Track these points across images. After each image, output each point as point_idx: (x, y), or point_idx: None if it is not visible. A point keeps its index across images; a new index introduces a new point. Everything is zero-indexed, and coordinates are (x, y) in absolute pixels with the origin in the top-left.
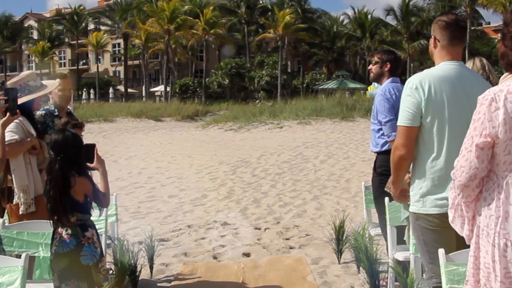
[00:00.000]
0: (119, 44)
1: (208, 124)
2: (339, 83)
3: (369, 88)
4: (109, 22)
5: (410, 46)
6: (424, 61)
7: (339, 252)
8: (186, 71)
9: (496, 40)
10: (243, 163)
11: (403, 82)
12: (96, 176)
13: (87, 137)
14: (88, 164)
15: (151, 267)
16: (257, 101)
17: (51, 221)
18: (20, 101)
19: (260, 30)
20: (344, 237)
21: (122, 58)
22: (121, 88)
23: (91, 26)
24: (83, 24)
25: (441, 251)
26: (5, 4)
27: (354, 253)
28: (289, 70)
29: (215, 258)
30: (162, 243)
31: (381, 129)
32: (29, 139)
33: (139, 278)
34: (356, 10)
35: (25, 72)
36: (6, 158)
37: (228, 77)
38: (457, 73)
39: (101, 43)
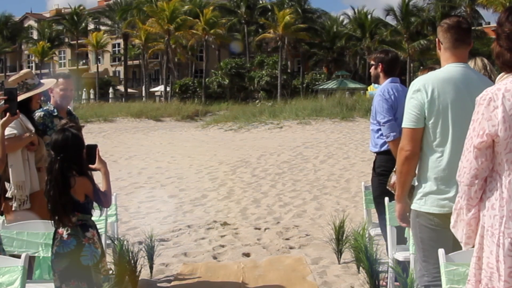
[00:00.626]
0: (119, 44)
1: (208, 124)
2: (339, 83)
3: (369, 88)
4: (109, 22)
5: (410, 46)
6: (424, 61)
7: (339, 252)
8: (186, 71)
9: None
10: (243, 163)
11: (403, 82)
12: (97, 176)
13: (87, 137)
14: (90, 165)
15: (151, 267)
16: (257, 101)
17: (52, 221)
18: (18, 98)
19: (260, 30)
20: (344, 237)
21: (122, 58)
22: (121, 88)
23: (91, 26)
24: (83, 24)
25: (441, 251)
26: (5, 4)
27: (354, 253)
28: (289, 70)
29: (215, 258)
30: (162, 243)
31: (380, 129)
32: (27, 134)
33: (139, 278)
34: (356, 10)
35: (23, 71)
36: (5, 157)
37: (228, 77)
38: (461, 75)
39: (101, 43)
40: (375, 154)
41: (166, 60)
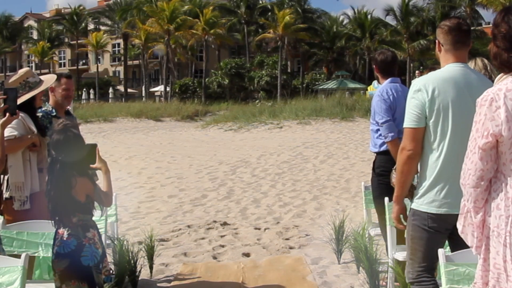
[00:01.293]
0: (119, 44)
1: (208, 124)
2: (339, 83)
3: (368, 88)
4: (109, 22)
5: (409, 46)
6: (424, 61)
7: (339, 252)
8: (186, 71)
9: None
10: (242, 163)
11: (403, 82)
12: (98, 176)
13: (87, 137)
14: (90, 165)
15: (151, 267)
16: (257, 101)
17: (53, 222)
18: (23, 98)
19: (260, 30)
20: (344, 237)
21: (122, 58)
22: (121, 88)
23: (91, 26)
24: (83, 24)
25: (441, 251)
26: (5, 4)
27: (354, 253)
28: (289, 70)
29: (214, 258)
30: (162, 243)
31: (379, 129)
32: (29, 136)
33: (139, 278)
34: (356, 10)
35: (23, 70)
36: (5, 157)
37: (227, 77)
38: (461, 75)
39: (101, 43)
40: (375, 154)
41: (166, 60)
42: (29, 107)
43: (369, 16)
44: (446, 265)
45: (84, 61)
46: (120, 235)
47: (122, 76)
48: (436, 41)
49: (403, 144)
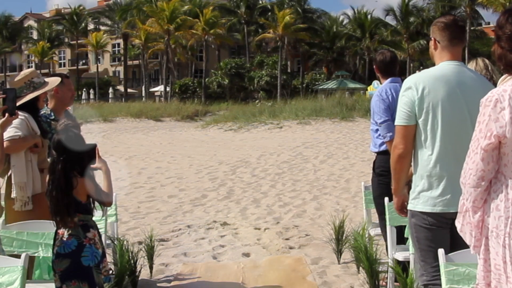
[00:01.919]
0: (118, 44)
1: (208, 124)
2: (339, 83)
3: (368, 88)
4: (109, 22)
5: (409, 46)
6: (424, 61)
7: (338, 252)
8: (185, 71)
9: None
10: (242, 163)
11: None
12: (98, 176)
13: (87, 137)
14: (91, 165)
15: (151, 267)
16: (257, 101)
17: (54, 222)
18: (26, 98)
19: (259, 30)
20: (343, 237)
21: (122, 58)
22: (121, 88)
23: (91, 26)
24: (83, 24)
25: (440, 251)
26: (5, 4)
27: (354, 253)
28: (288, 70)
29: (214, 258)
30: (162, 243)
31: (378, 129)
32: (32, 137)
33: (139, 278)
34: (355, 10)
35: (28, 70)
36: (5, 157)
37: (227, 77)
38: (454, 73)
39: (100, 43)
40: (375, 154)
41: (166, 60)
42: (32, 108)
43: (369, 16)
44: (446, 265)
45: (84, 61)
46: (120, 235)
47: (122, 76)
48: (432, 38)
49: (394, 142)
